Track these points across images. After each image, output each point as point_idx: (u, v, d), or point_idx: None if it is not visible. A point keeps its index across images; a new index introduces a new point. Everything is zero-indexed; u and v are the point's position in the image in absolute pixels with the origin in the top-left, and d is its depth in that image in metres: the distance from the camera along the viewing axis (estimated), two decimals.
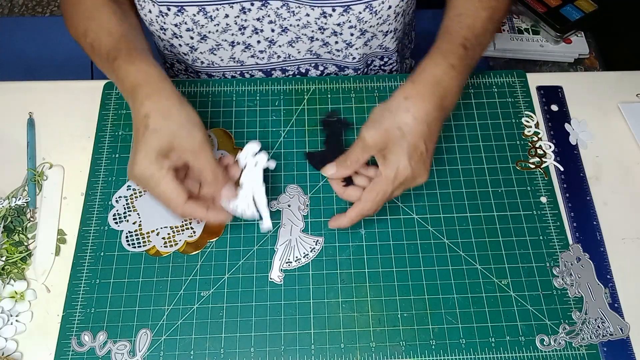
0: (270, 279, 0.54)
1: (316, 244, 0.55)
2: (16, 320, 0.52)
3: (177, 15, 0.59)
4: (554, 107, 0.64)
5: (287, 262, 0.54)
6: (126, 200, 0.58)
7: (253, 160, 0.53)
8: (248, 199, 0.52)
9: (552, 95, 0.65)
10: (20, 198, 0.57)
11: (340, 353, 0.51)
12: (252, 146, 0.53)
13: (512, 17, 1.03)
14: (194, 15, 0.59)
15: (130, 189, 0.58)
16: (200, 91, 0.64)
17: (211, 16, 0.60)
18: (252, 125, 0.62)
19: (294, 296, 0.53)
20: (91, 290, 0.53)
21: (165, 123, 0.48)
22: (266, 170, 0.53)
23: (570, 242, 0.56)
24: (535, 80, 0.66)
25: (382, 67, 0.74)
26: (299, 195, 0.58)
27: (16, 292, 0.53)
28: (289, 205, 0.57)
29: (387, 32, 0.65)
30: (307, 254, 0.55)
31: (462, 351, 0.51)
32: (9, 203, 0.57)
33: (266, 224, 0.52)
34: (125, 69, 0.51)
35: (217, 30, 0.61)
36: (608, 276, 0.54)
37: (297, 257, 0.55)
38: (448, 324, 0.52)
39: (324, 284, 0.54)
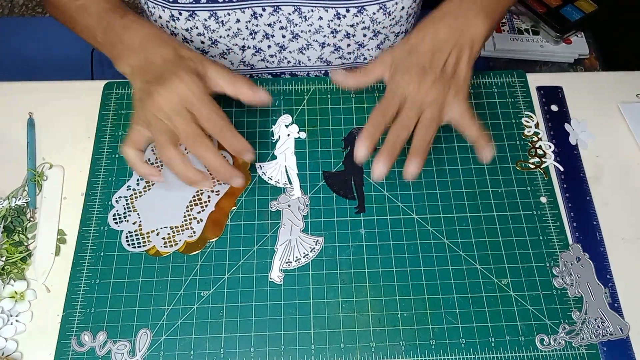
0: (270, 279, 0.54)
1: (316, 244, 0.55)
2: (16, 320, 0.52)
3: (189, 20, 0.59)
4: (554, 107, 0.64)
5: (287, 262, 0.55)
6: (126, 200, 0.58)
7: (286, 131, 0.57)
8: (281, 167, 0.56)
9: (552, 95, 0.65)
10: (20, 198, 0.57)
11: (340, 353, 0.51)
12: (286, 118, 0.58)
13: (512, 17, 1.03)
14: (205, 20, 0.59)
15: (130, 189, 0.58)
16: None
17: (222, 21, 0.59)
18: (252, 125, 0.62)
19: (294, 296, 0.53)
20: (91, 290, 0.53)
21: (194, 53, 0.52)
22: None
23: (570, 242, 0.56)
24: (535, 80, 0.66)
25: None
26: (299, 195, 0.58)
27: (16, 292, 0.53)
28: (288, 205, 0.57)
29: (398, 33, 0.65)
30: (307, 254, 0.55)
31: (462, 351, 0.51)
32: (9, 203, 0.57)
33: (297, 192, 0.56)
34: (139, 17, 0.54)
35: (228, 35, 0.61)
36: (608, 276, 0.54)
37: (297, 257, 0.55)
38: (448, 324, 0.52)
39: (324, 284, 0.54)
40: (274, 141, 0.60)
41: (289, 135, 0.60)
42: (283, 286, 0.54)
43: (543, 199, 0.58)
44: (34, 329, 0.52)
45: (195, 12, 0.58)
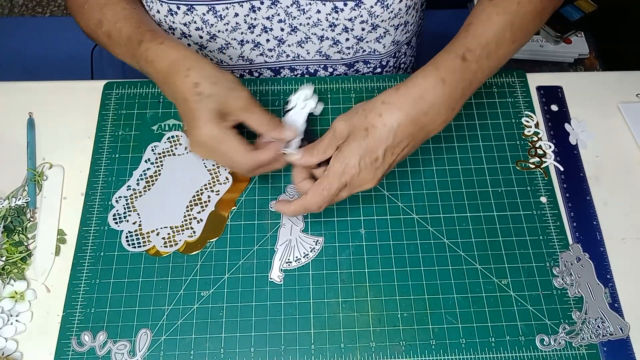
0: (270, 278, 0.54)
1: (316, 244, 0.55)
2: (16, 320, 0.52)
3: (187, 14, 0.59)
4: (554, 107, 0.64)
5: (287, 262, 0.54)
6: (126, 200, 0.58)
7: (303, 103, 0.57)
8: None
9: (552, 95, 0.65)
10: (20, 198, 0.57)
11: (340, 353, 0.51)
12: (306, 90, 0.57)
13: None
14: (204, 14, 0.59)
15: (130, 189, 0.58)
16: None
17: (221, 15, 0.59)
18: None
19: (294, 296, 0.53)
20: (91, 290, 0.53)
21: (215, 88, 0.50)
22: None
23: (570, 242, 0.56)
24: (535, 80, 0.66)
25: (381, 64, 0.73)
26: (299, 195, 0.58)
27: (16, 292, 0.53)
28: None
29: (398, 25, 0.65)
30: (307, 254, 0.55)
31: (462, 351, 0.51)
32: (9, 203, 0.57)
33: (298, 158, 0.53)
34: (156, 48, 0.52)
35: (226, 30, 0.61)
36: (608, 276, 0.54)
37: (297, 257, 0.55)
38: (448, 324, 0.52)
39: (324, 284, 0.54)
40: (287, 109, 0.57)
41: (304, 107, 0.57)
42: (283, 286, 0.54)
43: (543, 199, 0.58)
44: (34, 329, 0.52)
45: (194, 6, 0.58)
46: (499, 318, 0.52)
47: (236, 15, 0.60)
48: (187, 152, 0.59)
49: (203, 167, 0.59)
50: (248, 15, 0.60)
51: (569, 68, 1.00)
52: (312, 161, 0.51)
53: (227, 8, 0.59)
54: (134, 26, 0.55)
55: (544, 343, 0.51)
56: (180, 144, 0.61)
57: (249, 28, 0.62)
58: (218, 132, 0.49)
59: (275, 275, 0.54)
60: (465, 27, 0.52)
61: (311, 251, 0.55)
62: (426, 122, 0.49)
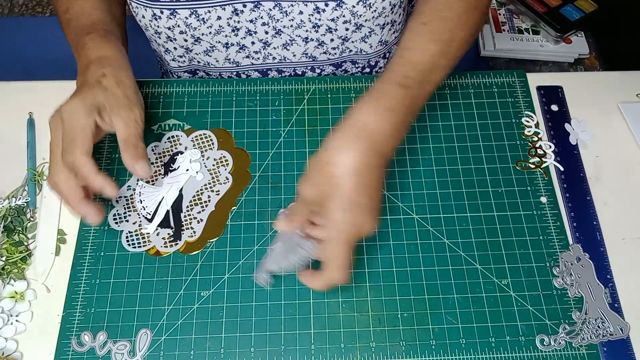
0: (256, 280, 0.53)
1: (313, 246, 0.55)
2: (16, 320, 0.52)
3: (170, 18, 0.59)
4: (554, 107, 0.64)
5: (278, 267, 0.52)
6: (126, 200, 0.58)
7: (188, 165, 0.58)
8: (158, 197, 0.57)
9: (552, 95, 0.65)
10: (20, 198, 0.57)
11: (340, 353, 0.51)
12: (195, 153, 0.59)
13: (512, 17, 1.03)
14: (186, 18, 0.59)
15: (130, 189, 0.58)
16: (200, 91, 0.64)
17: (203, 19, 0.59)
18: (252, 125, 0.62)
19: (294, 296, 0.53)
20: (91, 290, 0.53)
21: (115, 89, 0.52)
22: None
23: (571, 242, 0.56)
24: (535, 80, 0.66)
25: (369, 64, 0.73)
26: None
27: (16, 292, 0.53)
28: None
29: (384, 25, 0.64)
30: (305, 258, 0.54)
31: (462, 351, 0.51)
32: (9, 203, 0.57)
33: (150, 228, 0.55)
34: (98, 42, 0.55)
35: (210, 33, 0.61)
36: (608, 276, 0.54)
37: (293, 261, 0.52)
38: (448, 324, 0.52)
39: None
40: (172, 169, 0.59)
41: (187, 170, 0.58)
42: (283, 286, 0.54)
43: (543, 199, 0.58)
44: (34, 329, 0.52)
45: (176, 10, 0.58)
46: (499, 318, 0.52)
47: (219, 18, 0.60)
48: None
49: (203, 168, 0.59)
50: (231, 18, 0.60)
51: (569, 68, 1.00)
52: (296, 227, 0.49)
53: (209, 11, 0.59)
54: (92, 23, 0.57)
55: (544, 343, 0.51)
56: (180, 144, 0.61)
57: (233, 31, 0.62)
58: (79, 118, 0.50)
59: (262, 278, 0.52)
60: (400, 53, 0.51)
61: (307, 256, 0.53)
62: (382, 150, 0.47)
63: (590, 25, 1.03)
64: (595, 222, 0.57)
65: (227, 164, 0.60)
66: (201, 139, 0.61)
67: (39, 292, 0.54)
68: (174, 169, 0.59)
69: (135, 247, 0.55)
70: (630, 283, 0.54)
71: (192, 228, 0.56)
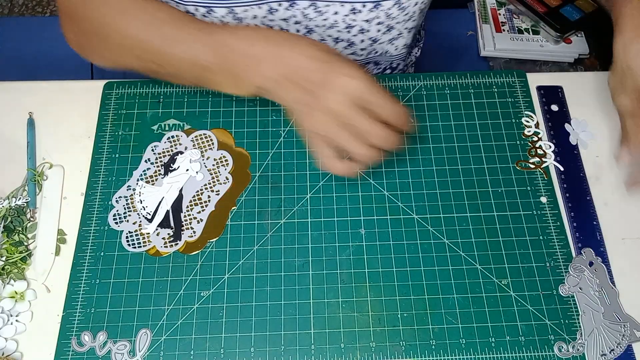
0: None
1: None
2: (16, 320, 0.52)
3: (205, 16, 0.58)
4: (554, 107, 0.64)
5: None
6: (126, 200, 0.58)
7: (188, 165, 0.57)
8: (157, 197, 0.56)
9: (552, 95, 0.65)
10: (20, 198, 0.57)
11: (340, 353, 0.51)
12: (195, 153, 0.58)
13: (512, 17, 1.03)
14: (223, 17, 0.59)
15: (130, 189, 0.58)
16: (201, 91, 0.64)
17: (240, 17, 0.59)
18: (252, 125, 0.62)
19: (294, 296, 0.53)
20: (91, 290, 0.53)
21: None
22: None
23: (571, 242, 0.56)
24: (535, 80, 0.66)
25: (391, 66, 0.74)
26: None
27: (16, 292, 0.53)
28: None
29: (411, 28, 0.65)
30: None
31: (462, 351, 0.51)
32: (9, 203, 0.57)
33: (150, 228, 0.55)
34: (243, 28, 0.50)
35: None
36: (608, 276, 0.54)
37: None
38: (448, 324, 0.52)
39: (324, 284, 0.54)
40: (172, 169, 0.59)
41: (187, 170, 0.58)
42: (283, 286, 0.54)
43: (543, 199, 0.58)
44: (34, 329, 0.52)
45: (213, 8, 0.57)
46: (499, 318, 0.52)
47: (254, 17, 0.60)
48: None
49: (203, 168, 0.59)
50: (266, 17, 0.60)
51: (569, 68, 1.00)
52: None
53: (246, 10, 0.58)
54: (187, 22, 0.51)
55: (562, 350, 0.50)
56: (180, 144, 0.61)
57: None
58: (366, 77, 0.46)
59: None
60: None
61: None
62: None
63: (590, 25, 1.02)
64: (595, 222, 0.57)
65: (227, 164, 0.60)
66: (201, 139, 0.61)
67: (39, 292, 0.54)
68: (174, 169, 0.59)
69: (135, 247, 0.55)
70: (630, 283, 0.54)
71: (192, 228, 0.56)
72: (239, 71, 0.50)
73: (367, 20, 0.61)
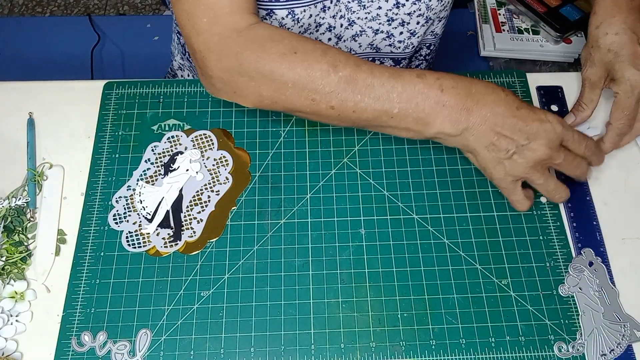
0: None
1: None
2: (16, 320, 0.52)
3: (265, 19, 0.58)
4: (554, 107, 0.64)
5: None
6: (126, 200, 0.58)
7: (188, 165, 0.58)
8: (157, 197, 0.56)
9: (552, 95, 0.65)
10: (20, 198, 0.57)
11: (340, 353, 0.51)
12: (195, 153, 0.58)
13: (512, 17, 1.03)
14: (283, 18, 0.59)
15: (130, 189, 0.58)
16: (200, 91, 0.64)
17: (298, 18, 0.59)
18: (252, 125, 0.62)
19: (294, 296, 0.53)
20: (91, 290, 0.53)
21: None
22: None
23: (571, 242, 0.56)
24: (535, 80, 0.66)
25: (427, 57, 0.75)
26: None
27: (16, 292, 0.53)
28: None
29: (442, 18, 0.68)
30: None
31: (462, 351, 0.51)
32: (9, 203, 0.57)
33: (151, 228, 0.55)
34: (447, 75, 0.50)
35: (299, 32, 0.61)
36: (608, 276, 0.54)
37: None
38: (448, 324, 0.52)
39: (324, 284, 0.54)
40: (172, 169, 0.59)
41: (187, 170, 0.58)
42: (283, 286, 0.54)
43: (543, 199, 0.58)
44: (34, 329, 0.52)
45: (273, 10, 0.58)
46: (499, 318, 0.52)
47: (310, 16, 0.60)
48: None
49: (203, 168, 0.59)
50: (318, 15, 0.61)
51: (569, 68, 1.00)
52: (587, 115, 0.59)
53: (304, 10, 0.59)
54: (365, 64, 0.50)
55: (562, 350, 0.50)
56: (180, 144, 0.61)
57: (316, 27, 0.63)
58: (560, 120, 0.51)
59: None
60: None
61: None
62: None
63: None
64: (595, 222, 0.57)
65: (227, 164, 0.60)
66: (201, 139, 0.61)
67: (39, 292, 0.54)
68: (174, 169, 0.59)
69: (135, 247, 0.55)
70: (630, 283, 0.54)
71: (192, 228, 0.56)
72: (425, 116, 0.49)
73: (409, 14, 0.63)
